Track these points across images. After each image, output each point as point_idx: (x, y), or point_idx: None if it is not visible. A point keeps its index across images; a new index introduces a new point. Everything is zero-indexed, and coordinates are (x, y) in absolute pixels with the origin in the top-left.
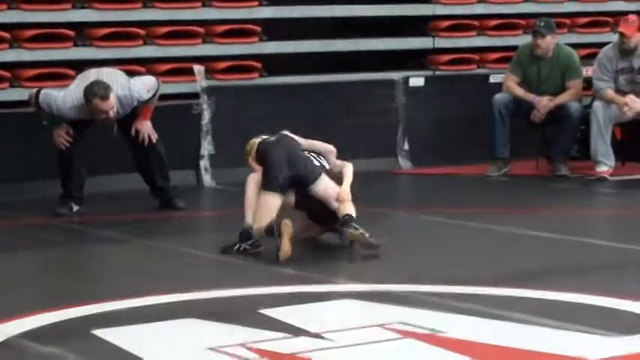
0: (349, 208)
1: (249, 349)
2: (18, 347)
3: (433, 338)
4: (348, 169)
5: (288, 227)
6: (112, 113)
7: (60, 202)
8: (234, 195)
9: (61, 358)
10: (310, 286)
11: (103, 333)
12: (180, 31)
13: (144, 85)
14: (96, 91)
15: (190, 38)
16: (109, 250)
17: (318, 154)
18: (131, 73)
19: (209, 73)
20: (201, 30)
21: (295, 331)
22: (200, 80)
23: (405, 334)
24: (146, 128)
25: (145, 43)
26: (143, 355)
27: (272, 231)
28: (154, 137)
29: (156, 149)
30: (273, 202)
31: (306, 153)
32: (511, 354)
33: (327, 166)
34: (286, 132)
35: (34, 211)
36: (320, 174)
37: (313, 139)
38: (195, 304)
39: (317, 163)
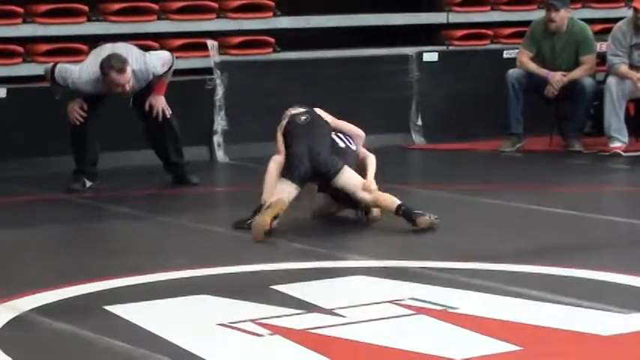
0: (388, 198)
1: (261, 325)
2: (31, 323)
3: (445, 314)
4: (372, 160)
5: (280, 205)
6: (127, 87)
7: (73, 178)
8: (248, 170)
9: (73, 334)
10: (322, 262)
11: (115, 309)
12: (194, 6)
13: (159, 60)
14: (113, 64)
15: (204, 13)
16: (122, 226)
17: (346, 135)
18: (145, 48)
19: (223, 48)
20: (215, 5)
21: (307, 307)
22: (213, 55)
23: (418, 310)
24: (160, 103)
25: (159, 18)
26: (155, 331)
27: (258, 210)
28: (168, 112)
29: (170, 124)
30: (289, 191)
31: (333, 135)
32: (524, 331)
33: (354, 147)
34: (317, 110)
35: (47, 186)
36: (342, 166)
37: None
38: (207, 280)
39: (342, 145)
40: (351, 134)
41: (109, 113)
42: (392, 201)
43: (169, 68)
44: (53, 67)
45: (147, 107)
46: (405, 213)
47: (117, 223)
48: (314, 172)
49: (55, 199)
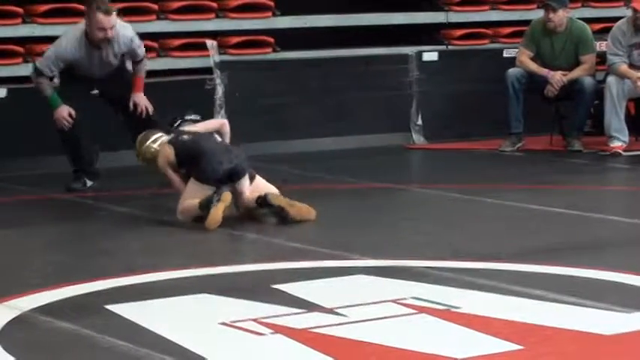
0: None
1: (262, 324)
2: (32, 322)
3: (447, 314)
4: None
5: (228, 196)
6: (110, 33)
7: (74, 177)
8: None
9: (75, 333)
10: (324, 261)
11: (116, 308)
12: (193, 6)
13: (138, 42)
14: (100, 5)
15: (203, 13)
16: (122, 225)
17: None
18: (144, 48)
19: (222, 48)
20: (214, 5)
21: (309, 306)
22: (213, 55)
23: (419, 310)
24: (143, 100)
25: (159, 18)
26: (156, 330)
27: (207, 203)
28: (151, 109)
29: (154, 120)
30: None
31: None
32: (526, 330)
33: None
34: (185, 128)
35: (48, 186)
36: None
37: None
38: (208, 279)
39: (220, 139)
40: (217, 128)
41: (108, 113)
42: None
43: (142, 59)
44: (34, 64)
45: (131, 106)
46: (261, 203)
47: (117, 223)
48: (231, 173)
49: (55, 198)
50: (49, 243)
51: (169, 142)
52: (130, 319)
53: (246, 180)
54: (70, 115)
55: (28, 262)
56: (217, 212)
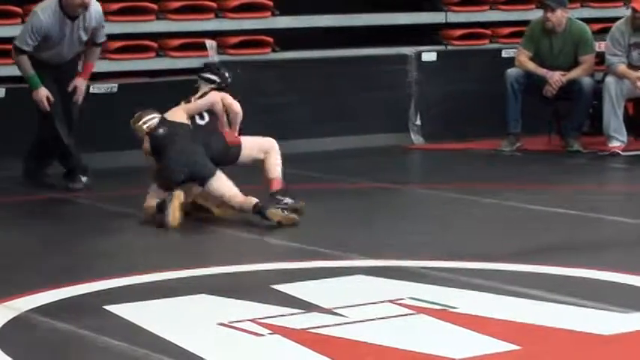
0: (247, 198)
1: (261, 324)
2: (31, 322)
3: (445, 314)
4: (236, 111)
5: (179, 196)
6: (87, 2)
7: (69, 178)
8: (247, 170)
9: (73, 334)
10: (322, 261)
11: (114, 308)
12: (192, 6)
13: (103, 22)
14: None
15: (203, 13)
16: (120, 225)
17: (208, 111)
18: (143, 48)
19: (221, 48)
20: (213, 4)
21: (307, 307)
22: (212, 55)
23: (417, 310)
24: (83, 88)
25: (158, 18)
26: (155, 330)
27: (162, 205)
28: (81, 99)
29: (80, 111)
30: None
31: (196, 119)
32: (524, 330)
33: (207, 119)
34: (167, 115)
35: (47, 186)
36: (215, 171)
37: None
38: (206, 279)
39: (203, 122)
40: (208, 106)
41: (108, 113)
42: (250, 202)
43: (100, 44)
44: (14, 43)
45: (71, 87)
46: (258, 212)
47: (116, 223)
48: (190, 177)
49: (54, 198)
50: (47, 243)
51: (150, 131)
52: (129, 319)
53: (211, 181)
54: (47, 98)
55: (27, 262)
56: (174, 212)
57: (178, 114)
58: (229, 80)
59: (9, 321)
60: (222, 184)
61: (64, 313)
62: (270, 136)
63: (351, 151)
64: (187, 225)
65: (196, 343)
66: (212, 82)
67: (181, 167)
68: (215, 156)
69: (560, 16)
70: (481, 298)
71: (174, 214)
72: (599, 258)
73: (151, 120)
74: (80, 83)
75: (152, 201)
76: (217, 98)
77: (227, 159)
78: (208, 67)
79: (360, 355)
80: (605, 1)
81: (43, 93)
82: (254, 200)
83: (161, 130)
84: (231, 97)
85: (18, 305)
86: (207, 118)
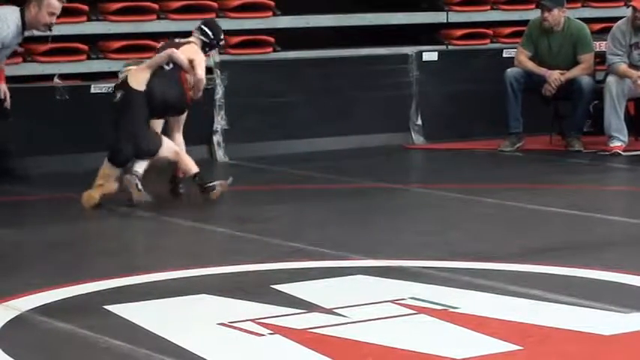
0: (189, 162)
1: (261, 324)
2: (31, 322)
3: (446, 314)
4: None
5: (110, 188)
6: (54, 20)
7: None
8: (247, 170)
9: (73, 334)
10: (323, 261)
11: (115, 308)
12: (193, 6)
13: None
14: None
15: (204, 13)
16: (122, 225)
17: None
18: (144, 48)
19: (222, 47)
20: (214, 4)
21: (308, 307)
22: (213, 55)
23: (418, 310)
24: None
25: (159, 18)
26: (155, 330)
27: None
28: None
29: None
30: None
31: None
32: (525, 330)
33: (171, 66)
34: (132, 72)
35: (47, 186)
36: (161, 143)
37: None
38: (207, 279)
39: (168, 68)
40: (165, 58)
41: (107, 113)
42: (191, 166)
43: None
44: None
45: (2, 95)
46: (199, 182)
47: (117, 223)
48: (135, 154)
49: (54, 198)
50: (48, 243)
51: (115, 85)
52: (129, 319)
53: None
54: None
55: (27, 262)
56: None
57: (141, 74)
58: (222, 43)
59: (9, 321)
60: (167, 149)
61: (64, 313)
62: (271, 136)
63: (352, 151)
64: (187, 225)
65: (197, 343)
66: (205, 35)
67: (125, 145)
68: (169, 101)
69: (557, 15)
70: (482, 298)
71: (89, 202)
72: (601, 258)
73: (129, 65)
74: (5, 88)
75: (111, 185)
76: (171, 50)
77: (179, 107)
78: (207, 23)
79: (360, 356)
80: (606, 0)
81: None
82: (195, 168)
83: (118, 95)
84: (202, 63)
85: (18, 305)
86: (171, 65)
